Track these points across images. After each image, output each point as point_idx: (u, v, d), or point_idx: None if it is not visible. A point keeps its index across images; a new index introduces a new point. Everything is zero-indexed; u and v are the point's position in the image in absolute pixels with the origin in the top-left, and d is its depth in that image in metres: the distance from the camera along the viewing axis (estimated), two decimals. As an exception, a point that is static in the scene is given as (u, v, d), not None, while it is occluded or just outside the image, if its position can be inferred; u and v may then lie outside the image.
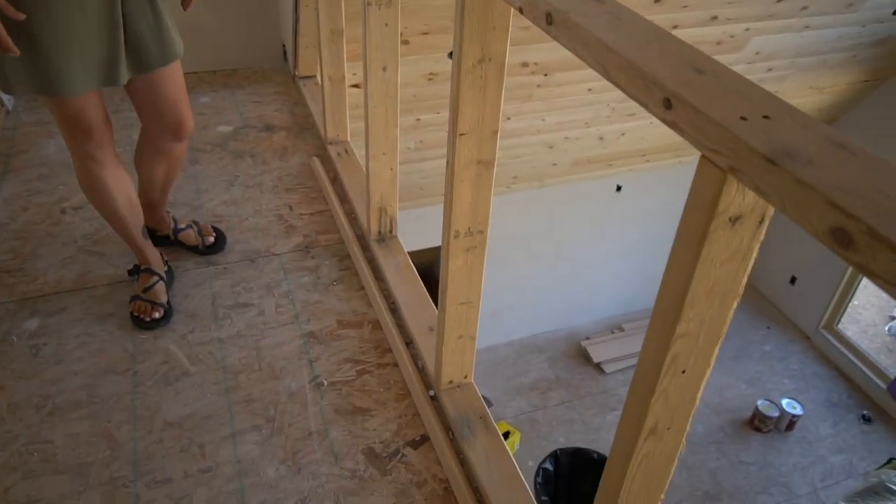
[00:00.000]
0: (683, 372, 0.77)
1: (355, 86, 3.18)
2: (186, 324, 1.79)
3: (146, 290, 1.81)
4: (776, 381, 4.97)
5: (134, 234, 1.80)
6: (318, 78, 3.08)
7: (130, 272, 1.89)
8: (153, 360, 1.68)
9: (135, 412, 1.54)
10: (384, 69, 1.78)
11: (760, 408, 4.51)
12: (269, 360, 1.69)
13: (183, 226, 2.04)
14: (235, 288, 1.92)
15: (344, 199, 2.28)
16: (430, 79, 3.37)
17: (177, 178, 1.94)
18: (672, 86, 0.68)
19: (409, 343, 1.73)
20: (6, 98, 2.79)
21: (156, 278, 1.83)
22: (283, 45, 3.21)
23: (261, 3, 3.11)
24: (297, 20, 2.79)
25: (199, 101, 2.91)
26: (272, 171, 2.45)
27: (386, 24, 1.72)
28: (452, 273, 1.38)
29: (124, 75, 1.52)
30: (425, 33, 3.08)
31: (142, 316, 1.77)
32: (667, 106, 0.69)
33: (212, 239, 2.04)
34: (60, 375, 1.63)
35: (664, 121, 0.70)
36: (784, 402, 4.57)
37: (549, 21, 0.89)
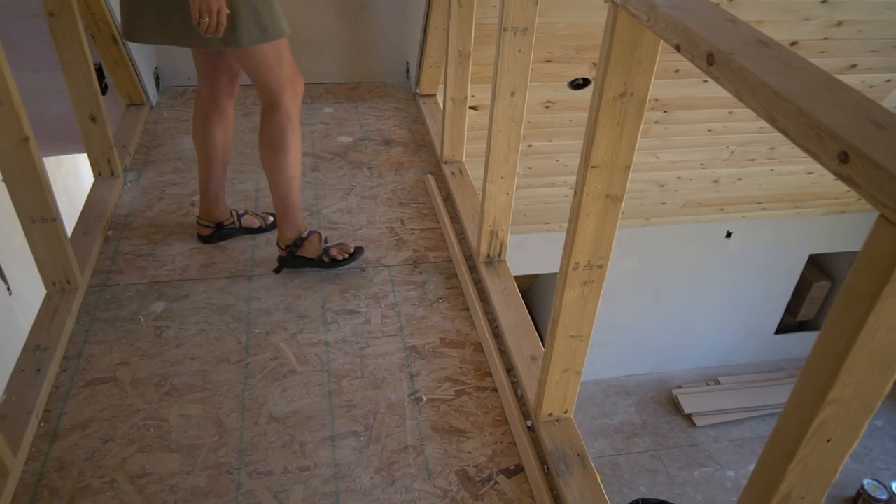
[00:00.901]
0: (829, 441, 0.73)
1: (473, 107, 3.23)
2: (297, 324, 1.85)
3: (325, 241, 2.04)
4: (886, 459, 4.59)
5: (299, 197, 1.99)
6: (439, 97, 3.16)
7: (286, 250, 2.01)
8: (264, 355, 1.74)
9: (243, 403, 1.61)
10: (512, 94, 1.80)
11: (867, 487, 4.18)
12: (372, 369, 1.72)
13: (241, 212, 2.19)
14: (344, 294, 1.97)
15: (455, 218, 2.31)
16: (547, 106, 3.37)
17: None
18: (850, 138, 0.65)
19: (509, 369, 1.72)
20: (152, 94, 3.01)
21: (316, 232, 2.04)
22: (407, 63, 3.30)
23: (388, 22, 3.22)
24: (424, 40, 2.87)
25: (323, 111, 3.04)
26: (387, 185, 2.51)
27: (519, 51, 1.73)
28: (566, 304, 1.37)
29: None
30: (548, 61, 3.09)
31: (340, 257, 2.00)
32: (842, 159, 0.66)
33: (271, 218, 2.20)
34: (179, 358, 1.72)
35: (837, 174, 0.67)
36: (894, 484, 4.21)
37: (709, 62, 0.87)
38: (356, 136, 2.85)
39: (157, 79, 3.11)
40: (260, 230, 2.20)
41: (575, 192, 1.28)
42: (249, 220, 2.19)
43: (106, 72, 2.64)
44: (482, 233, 2.01)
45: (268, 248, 2.14)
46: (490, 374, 1.73)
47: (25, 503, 1.37)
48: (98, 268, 2.02)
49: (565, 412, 1.55)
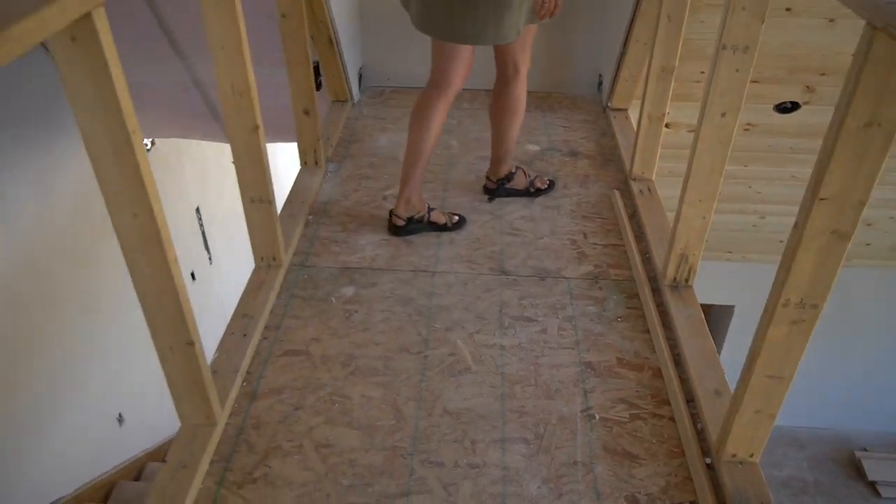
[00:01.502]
0: None
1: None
2: (475, 324, 1.89)
3: (529, 175, 2.48)
4: None
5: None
6: (631, 112, 3.08)
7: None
8: (442, 350, 1.80)
9: (420, 393, 1.67)
10: (723, 115, 1.71)
11: None
12: (546, 379, 1.72)
13: (430, 208, 2.30)
14: (522, 301, 1.98)
15: (640, 237, 2.24)
16: (747, 129, 3.17)
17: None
18: None
19: (689, 400, 1.64)
20: (355, 91, 3.22)
21: (522, 167, 2.49)
22: (600, 75, 3.26)
23: (583, 33, 3.19)
24: (623, 53, 2.81)
25: (513, 119, 3.07)
26: (572, 196, 2.50)
27: (737, 70, 1.65)
28: (770, 342, 1.28)
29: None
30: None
31: (544, 186, 2.48)
32: None
33: (456, 217, 2.33)
34: (365, 342, 1.83)
35: None
36: None
37: None
38: (543, 145, 2.86)
39: (360, 78, 3.32)
40: (444, 228, 2.28)
41: (796, 224, 1.19)
42: (437, 217, 2.28)
43: (321, 70, 2.86)
44: (671, 255, 1.94)
45: (451, 246, 2.21)
46: (668, 402, 1.66)
47: (226, 452, 1.52)
48: (298, 249, 2.20)
49: (751, 456, 1.45)
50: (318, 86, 2.67)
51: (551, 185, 2.53)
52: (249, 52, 1.69)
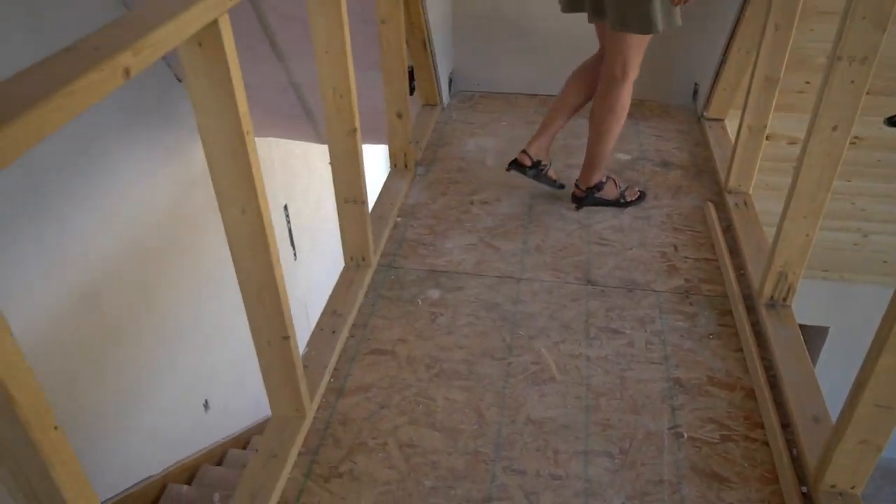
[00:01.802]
0: None
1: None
2: (560, 333, 1.88)
3: (619, 186, 2.46)
4: None
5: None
6: (728, 123, 2.98)
7: (589, 193, 2.42)
8: (525, 358, 1.80)
9: (503, 399, 1.67)
10: (834, 129, 1.63)
11: None
12: (632, 393, 1.69)
13: (549, 164, 2.44)
14: (609, 312, 1.95)
15: (735, 252, 2.16)
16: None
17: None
18: None
19: (785, 425, 1.57)
20: (445, 95, 3.25)
21: (613, 177, 2.46)
22: (696, 84, 3.17)
23: (677, 40, 3.10)
24: (723, 61, 2.73)
25: (603, 127, 3.03)
26: (662, 208, 2.44)
27: (852, 82, 1.57)
28: (881, 370, 1.21)
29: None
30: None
31: (634, 198, 2.44)
32: None
33: (562, 185, 2.47)
34: (449, 345, 1.84)
35: None
36: None
37: None
38: (634, 154, 2.81)
39: (450, 82, 3.36)
40: (554, 184, 2.47)
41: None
42: (552, 174, 2.46)
43: (415, 75, 2.90)
44: (769, 273, 1.86)
45: (538, 254, 2.20)
46: (761, 426, 1.60)
47: (314, 445, 1.57)
48: (386, 250, 2.24)
49: (852, 487, 1.38)
50: (412, 90, 2.72)
51: (642, 196, 2.47)
52: (352, 56, 1.74)
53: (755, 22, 2.40)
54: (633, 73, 2.17)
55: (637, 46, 2.10)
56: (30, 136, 0.69)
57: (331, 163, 1.92)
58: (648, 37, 2.07)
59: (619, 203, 2.43)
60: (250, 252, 1.31)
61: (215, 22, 1.05)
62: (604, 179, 2.42)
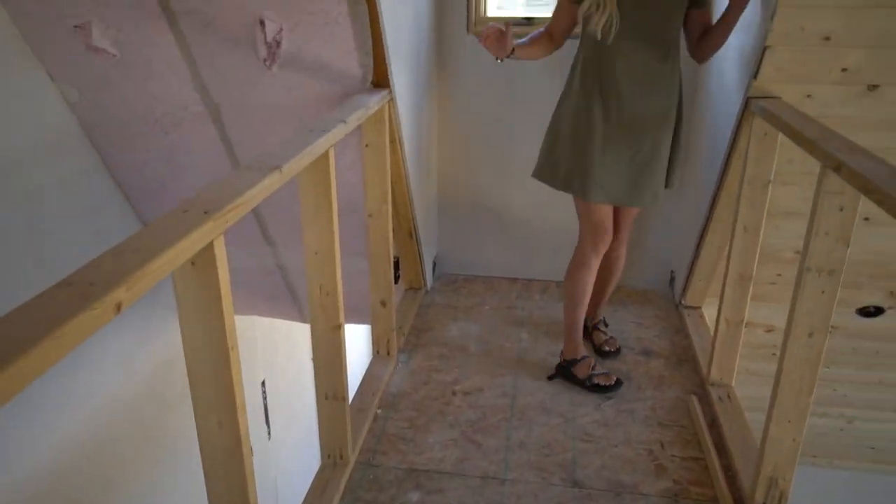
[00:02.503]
0: None
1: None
2: (547, 543, 1.77)
3: (592, 368, 2.45)
4: None
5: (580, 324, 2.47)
6: (705, 310, 3.05)
7: (566, 365, 2.48)
8: (512, 573, 1.68)
9: None
10: (810, 335, 1.67)
11: None
12: None
13: (597, 322, 2.67)
14: (598, 519, 1.86)
15: (721, 450, 2.12)
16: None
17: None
18: None
19: None
20: (429, 279, 3.32)
21: (590, 358, 2.48)
22: (672, 272, 3.28)
23: (654, 229, 3.26)
24: (696, 256, 2.84)
25: (583, 313, 3.08)
26: (646, 400, 2.42)
27: (823, 292, 1.63)
28: None
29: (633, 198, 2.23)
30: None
31: (605, 383, 2.42)
32: None
33: (611, 350, 2.66)
34: (430, 557, 1.72)
35: None
36: None
37: None
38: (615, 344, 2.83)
39: (434, 266, 3.44)
40: (597, 349, 2.69)
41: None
42: (598, 335, 2.71)
43: (400, 264, 2.98)
44: (759, 478, 1.81)
45: (521, 451, 2.14)
46: None
47: None
48: (365, 445, 2.16)
49: None
50: (397, 279, 2.78)
51: (618, 383, 2.46)
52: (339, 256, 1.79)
53: (724, 221, 2.54)
54: (584, 239, 2.33)
55: (581, 210, 2.30)
56: (13, 386, 0.68)
57: (313, 359, 1.90)
58: (588, 203, 2.24)
59: (584, 385, 2.44)
60: (223, 469, 1.25)
61: (211, 244, 1.09)
62: (578, 357, 2.48)
